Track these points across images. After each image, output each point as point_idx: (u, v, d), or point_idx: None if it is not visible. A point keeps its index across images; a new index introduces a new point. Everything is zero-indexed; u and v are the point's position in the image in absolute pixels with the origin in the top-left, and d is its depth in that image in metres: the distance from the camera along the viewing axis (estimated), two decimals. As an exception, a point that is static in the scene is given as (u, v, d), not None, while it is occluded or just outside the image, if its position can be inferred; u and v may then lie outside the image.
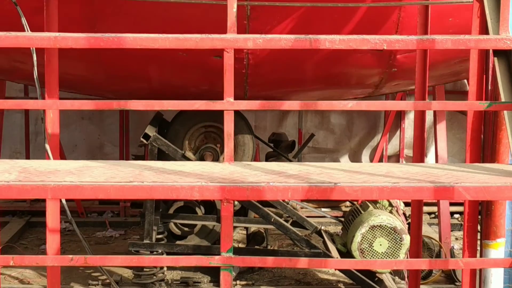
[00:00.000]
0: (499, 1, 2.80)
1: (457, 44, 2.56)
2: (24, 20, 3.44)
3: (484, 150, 3.11)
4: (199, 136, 5.94)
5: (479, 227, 3.29)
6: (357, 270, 5.33)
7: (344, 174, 2.34)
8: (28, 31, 3.36)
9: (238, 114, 5.31)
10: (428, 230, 7.44)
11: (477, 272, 3.01)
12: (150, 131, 5.40)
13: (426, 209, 7.92)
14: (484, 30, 2.92)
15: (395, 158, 9.01)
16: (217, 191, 2.17)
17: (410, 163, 3.54)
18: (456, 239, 7.69)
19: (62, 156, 6.84)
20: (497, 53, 2.72)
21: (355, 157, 9.15)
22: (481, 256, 3.05)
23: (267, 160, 6.91)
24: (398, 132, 8.94)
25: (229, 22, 2.75)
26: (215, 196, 2.28)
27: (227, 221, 2.30)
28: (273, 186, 2.13)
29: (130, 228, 7.96)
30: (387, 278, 5.70)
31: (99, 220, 8.25)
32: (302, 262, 2.32)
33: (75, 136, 8.60)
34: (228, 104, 2.55)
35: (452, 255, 6.45)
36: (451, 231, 6.98)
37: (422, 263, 2.39)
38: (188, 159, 5.46)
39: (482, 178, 2.26)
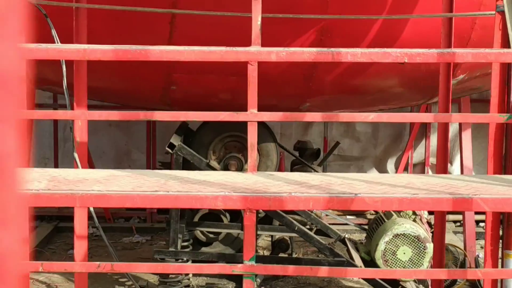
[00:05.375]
0: None
1: (477, 57, 2.59)
2: (54, 32, 3.48)
3: (506, 162, 3.11)
4: (223, 145, 5.96)
5: (501, 237, 3.32)
6: (381, 278, 5.33)
7: (365, 185, 2.35)
8: (58, 42, 3.41)
9: (262, 123, 5.33)
10: (454, 239, 7.43)
11: (498, 282, 3.02)
12: (176, 140, 5.43)
13: (451, 217, 7.90)
14: (506, 43, 2.93)
15: (421, 166, 8.99)
16: (240, 201, 2.19)
17: (431, 175, 3.55)
18: (482, 247, 7.59)
19: (90, 163, 6.90)
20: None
21: (381, 165, 9.14)
22: (502, 265, 3.05)
23: (292, 168, 6.92)
24: (423, 141, 8.91)
25: (253, 34, 2.78)
26: (238, 206, 2.32)
27: (249, 230, 2.34)
28: (295, 197, 2.17)
29: (156, 234, 8.00)
30: (411, 286, 5.70)
31: (126, 226, 8.32)
32: (323, 271, 2.35)
33: (103, 142, 8.66)
34: (252, 115, 2.59)
35: (477, 263, 6.42)
36: (477, 239, 6.95)
37: (441, 273, 2.41)
38: (212, 168, 5.49)
39: (502, 190, 2.26)
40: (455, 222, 8.27)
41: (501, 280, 3.07)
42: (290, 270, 2.28)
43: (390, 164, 9.14)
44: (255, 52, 2.70)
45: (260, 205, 2.20)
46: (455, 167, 8.64)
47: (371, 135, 9.06)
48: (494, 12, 3.09)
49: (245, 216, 2.25)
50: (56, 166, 8.33)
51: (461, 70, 4.89)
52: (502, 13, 2.95)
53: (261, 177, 2.44)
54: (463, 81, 5.18)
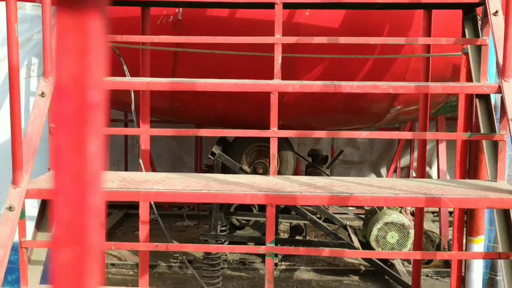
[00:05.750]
0: (480, 56, 2.82)
1: (446, 89, 2.60)
2: (125, 67, 3.53)
3: (469, 169, 3.11)
4: (253, 153, 5.97)
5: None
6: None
7: (359, 187, 2.38)
8: (128, 76, 3.47)
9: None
10: (432, 226, 7.34)
11: (462, 261, 3.02)
12: (216, 149, 5.48)
13: (430, 209, 7.82)
14: (469, 78, 2.92)
15: (407, 169, 8.90)
16: (263, 198, 2.23)
17: (410, 179, 3.55)
18: (454, 233, 7.58)
19: (152, 165, 6.96)
20: (478, 96, 2.74)
21: (376, 168, 9.08)
22: (466, 249, 3.05)
23: (306, 170, 6.94)
24: (409, 148, 8.84)
25: (275, 70, 2.81)
26: (262, 202, 2.35)
27: (271, 220, 2.38)
28: (304, 195, 2.20)
29: (202, 219, 7.99)
30: (398, 263, 5.68)
31: (178, 213, 8.29)
32: (326, 252, 2.38)
33: (161, 149, 8.71)
34: (273, 132, 2.63)
35: (449, 245, 6.36)
36: (450, 226, 6.88)
37: (417, 254, 2.43)
38: (244, 171, 5.53)
39: (464, 192, 2.26)
40: (433, 212, 8.19)
41: (465, 260, 3.07)
42: (301, 250, 2.32)
43: (383, 168, 9.08)
44: (277, 85, 2.73)
45: (278, 201, 2.23)
46: (433, 170, 8.55)
47: (368, 144, 9.00)
48: (460, 53, 3.10)
49: (268, 209, 2.28)
50: (126, 167, 8.38)
51: (398, 102, 4.86)
52: (466, 54, 2.96)
53: (279, 180, 2.45)
54: (400, 111, 5.14)
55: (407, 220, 5.48)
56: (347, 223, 6.25)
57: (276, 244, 5.32)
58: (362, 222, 6.32)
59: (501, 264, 2.24)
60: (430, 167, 8.61)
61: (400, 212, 5.62)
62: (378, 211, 5.64)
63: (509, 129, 2.27)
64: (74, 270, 0.36)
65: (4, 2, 2.43)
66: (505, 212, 2.26)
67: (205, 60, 4.40)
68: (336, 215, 6.20)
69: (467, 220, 3.10)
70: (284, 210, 6.19)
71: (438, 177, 7.36)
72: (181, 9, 4.10)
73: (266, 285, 2.14)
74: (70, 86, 0.54)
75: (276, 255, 5.34)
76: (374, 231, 5.42)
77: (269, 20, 3.12)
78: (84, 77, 0.54)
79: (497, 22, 2.55)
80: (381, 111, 5.14)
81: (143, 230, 3.07)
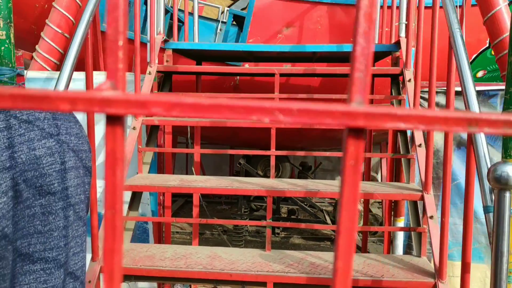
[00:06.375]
0: (399, 105, 2.88)
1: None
2: None
3: (395, 175, 3.14)
4: (264, 163, 6.09)
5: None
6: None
7: (324, 186, 2.39)
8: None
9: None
10: (377, 211, 7.32)
11: (391, 233, 3.04)
12: (242, 161, 5.61)
13: (378, 201, 7.76)
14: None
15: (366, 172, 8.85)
16: (265, 192, 2.28)
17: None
18: (393, 216, 7.49)
19: (202, 170, 7.04)
20: (399, 131, 2.79)
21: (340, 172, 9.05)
22: (393, 225, 3.06)
23: (298, 175, 6.98)
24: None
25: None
26: (264, 194, 2.35)
27: (270, 206, 2.46)
28: (289, 190, 2.27)
29: (232, 204, 8.01)
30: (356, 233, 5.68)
31: (218, 201, 8.28)
32: (303, 225, 2.42)
33: (208, 160, 8.80)
34: (272, 152, 2.71)
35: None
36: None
37: (364, 228, 2.47)
38: (259, 175, 5.63)
39: (389, 189, 2.27)
40: (379, 203, 8.11)
41: (393, 232, 3.07)
42: (288, 224, 2.35)
43: None
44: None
45: (273, 194, 2.26)
46: (379, 175, 8.49)
47: (338, 158, 9.01)
48: (389, 104, 3.16)
49: (268, 199, 2.34)
50: (186, 172, 8.46)
51: None
52: (392, 105, 3.00)
53: (276, 181, 2.46)
54: None
55: (361, 207, 5.49)
56: (323, 208, 6.29)
57: (278, 220, 5.39)
58: (332, 208, 6.34)
59: (412, 234, 2.29)
60: (377, 174, 8.56)
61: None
62: (343, 201, 5.65)
63: (416, 151, 2.33)
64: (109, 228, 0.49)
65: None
66: (414, 202, 2.31)
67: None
68: (316, 203, 6.24)
69: (394, 207, 3.11)
70: (284, 200, 6.25)
71: (381, 180, 7.31)
72: (238, 77, 4.18)
73: (266, 246, 2.20)
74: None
75: (273, 228, 5.37)
76: (340, 214, 5.46)
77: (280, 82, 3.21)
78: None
79: (410, 85, 2.62)
80: (328, 135, 5.23)
81: (195, 210, 3.13)
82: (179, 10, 4.10)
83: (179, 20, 3.99)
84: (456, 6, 3.16)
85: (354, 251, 0.18)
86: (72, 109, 0.17)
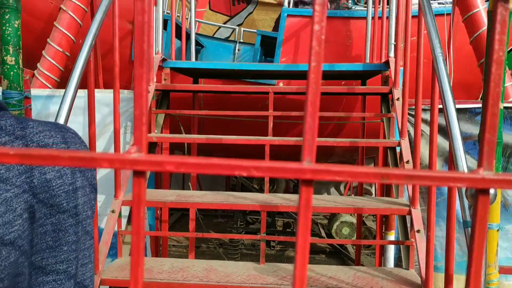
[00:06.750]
0: (390, 124, 2.90)
1: (369, 144, 2.71)
2: (182, 128, 3.66)
3: (385, 190, 3.18)
4: (259, 178, 6.13)
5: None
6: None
7: (316, 201, 2.39)
8: (183, 133, 3.61)
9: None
10: (372, 224, 7.33)
11: (384, 247, 3.06)
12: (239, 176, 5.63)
13: (372, 215, 7.73)
14: (384, 136, 3.01)
15: (357, 188, 8.82)
16: (259, 207, 2.28)
17: (345, 196, 3.56)
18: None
19: (199, 184, 7.00)
20: (389, 147, 2.85)
21: (337, 187, 8.95)
22: (384, 238, 3.08)
23: (293, 188, 6.99)
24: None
25: (269, 130, 2.99)
26: (258, 209, 2.39)
27: (264, 220, 2.50)
28: (282, 205, 2.31)
29: (229, 218, 7.97)
30: (349, 247, 5.68)
31: (215, 214, 7.98)
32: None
33: (207, 175, 8.70)
34: None
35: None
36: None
37: (358, 241, 2.51)
38: (255, 189, 5.67)
39: (378, 204, 2.29)
40: (373, 216, 8.11)
41: (384, 245, 3.08)
42: (281, 238, 2.40)
43: (342, 186, 9.01)
44: (268, 140, 2.87)
45: (267, 209, 2.26)
46: (373, 188, 8.50)
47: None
48: (379, 121, 3.23)
49: (262, 214, 2.38)
50: (183, 186, 8.41)
51: (338, 149, 5.08)
52: (383, 122, 3.05)
53: (270, 196, 2.45)
54: (343, 153, 5.34)
55: (354, 220, 5.53)
56: (318, 221, 6.31)
57: (273, 234, 5.41)
58: (327, 221, 6.37)
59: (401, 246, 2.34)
60: (371, 187, 8.58)
61: (351, 215, 5.67)
62: (337, 214, 5.70)
63: (404, 167, 2.40)
64: (135, 247, 0.56)
65: (112, 90, 2.64)
66: (402, 217, 2.36)
67: (227, 123, 4.58)
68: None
69: (385, 220, 3.15)
70: (280, 213, 6.26)
71: (375, 193, 7.35)
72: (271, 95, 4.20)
73: (261, 259, 2.25)
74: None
75: (268, 241, 5.37)
76: (334, 226, 5.50)
77: (279, 98, 3.30)
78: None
79: (399, 104, 2.71)
80: (329, 150, 5.30)
81: (191, 224, 3.14)
82: (197, 34, 4.18)
83: (198, 43, 4.10)
84: (449, 13, 3.24)
85: (307, 262, 0.26)
86: (111, 167, 0.25)
